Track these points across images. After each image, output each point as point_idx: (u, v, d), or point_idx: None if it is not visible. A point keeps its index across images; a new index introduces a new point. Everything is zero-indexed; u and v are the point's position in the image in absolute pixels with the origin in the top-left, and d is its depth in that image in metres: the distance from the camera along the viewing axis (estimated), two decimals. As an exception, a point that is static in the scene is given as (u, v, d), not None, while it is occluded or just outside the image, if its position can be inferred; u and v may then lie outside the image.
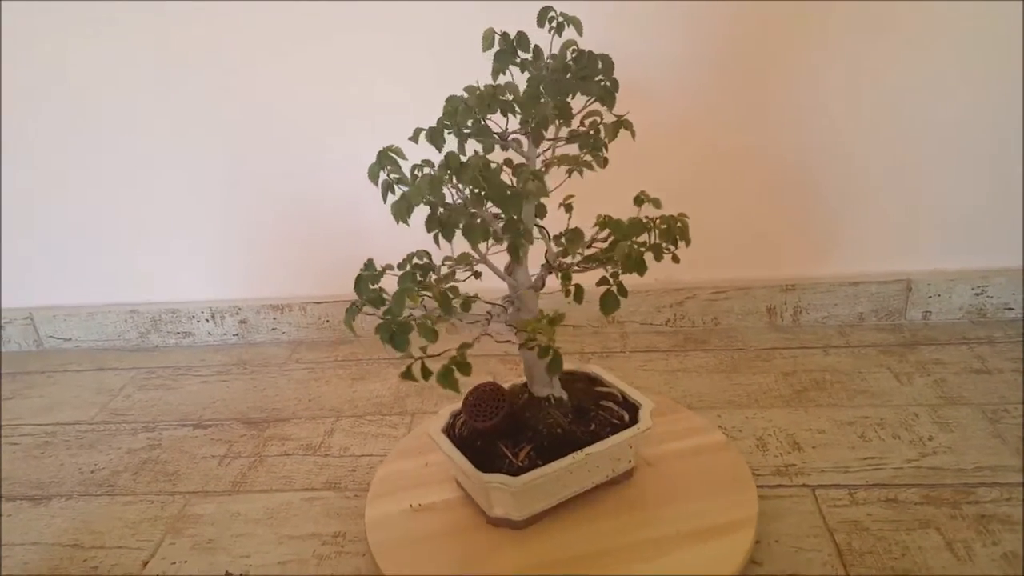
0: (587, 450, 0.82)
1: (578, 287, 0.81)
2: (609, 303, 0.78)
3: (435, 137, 0.76)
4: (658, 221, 0.78)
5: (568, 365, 0.97)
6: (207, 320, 1.43)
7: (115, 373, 1.37)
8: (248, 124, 1.28)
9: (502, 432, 0.85)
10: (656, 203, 0.80)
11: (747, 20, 1.14)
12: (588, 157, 0.78)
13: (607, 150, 0.79)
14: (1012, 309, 1.28)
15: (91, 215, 1.37)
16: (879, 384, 1.13)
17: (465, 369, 0.69)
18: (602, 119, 0.80)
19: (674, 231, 0.78)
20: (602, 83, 0.78)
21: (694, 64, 1.18)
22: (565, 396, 0.89)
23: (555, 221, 0.84)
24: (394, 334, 0.69)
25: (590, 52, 0.76)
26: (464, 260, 0.77)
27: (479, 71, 0.79)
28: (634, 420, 0.87)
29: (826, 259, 1.31)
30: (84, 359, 1.44)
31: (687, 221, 0.79)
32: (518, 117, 0.77)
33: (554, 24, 0.77)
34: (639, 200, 0.81)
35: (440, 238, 0.75)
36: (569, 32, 0.77)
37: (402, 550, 0.84)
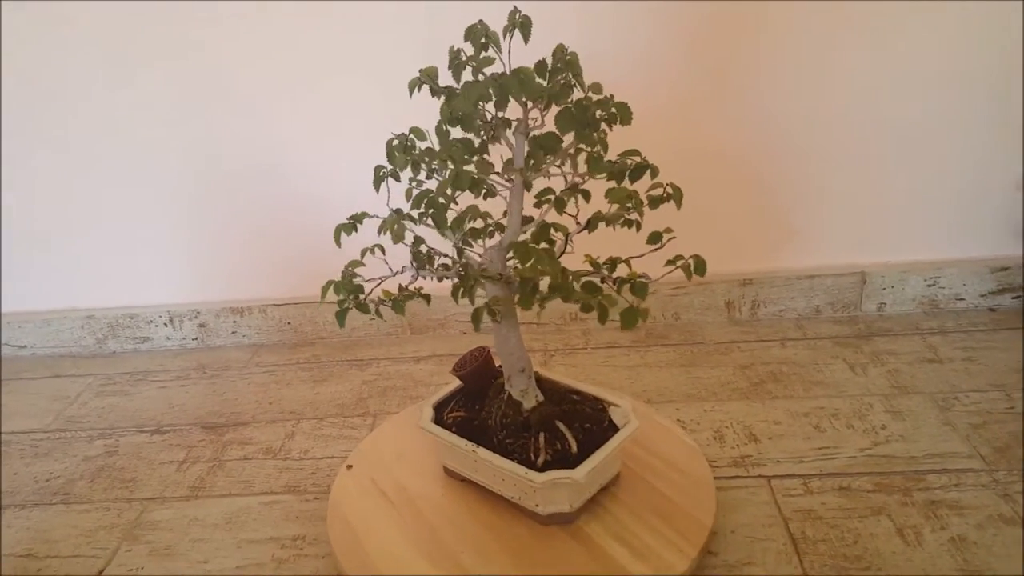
0: (475, 447, 0.85)
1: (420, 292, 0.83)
2: (476, 318, 0.76)
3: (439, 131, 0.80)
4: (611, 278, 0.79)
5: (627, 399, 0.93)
6: (165, 324, 1.41)
7: (71, 380, 1.35)
8: (206, 125, 1.26)
9: (469, 390, 0.95)
10: (698, 270, 0.80)
11: (704, 19, 1.15)
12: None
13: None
14: (963, 299, 1.31)
15: (45, 219, 1.34)
16: (834, 375, 1.15)
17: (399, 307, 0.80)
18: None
19: (635, 315, 0.77)
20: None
21: (653, 63, 1.19)
22: (528, 404, 0.87)
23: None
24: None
25: (502, 73, 0.73)
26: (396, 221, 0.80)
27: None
28: (542, 469, 0.81)
29: (782, 253, 1.32)
30: (40, 366, 1.41)
31: (646, 309, 0.78)
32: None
33: (514, 24, 0.74)
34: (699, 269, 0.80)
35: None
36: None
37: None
